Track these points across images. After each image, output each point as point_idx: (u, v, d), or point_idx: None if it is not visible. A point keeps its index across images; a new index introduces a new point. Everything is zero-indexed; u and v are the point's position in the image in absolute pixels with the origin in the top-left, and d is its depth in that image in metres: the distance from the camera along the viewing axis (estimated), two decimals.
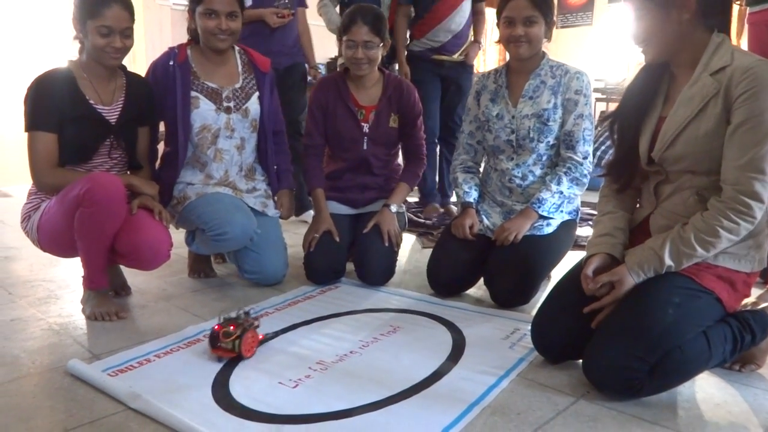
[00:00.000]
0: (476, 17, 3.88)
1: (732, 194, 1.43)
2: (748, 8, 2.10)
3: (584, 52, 8.31)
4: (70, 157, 2.03)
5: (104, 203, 1.87)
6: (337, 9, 3.82)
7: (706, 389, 1.56)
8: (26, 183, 2.09)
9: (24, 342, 1.85)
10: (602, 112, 7.09)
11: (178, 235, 2.26)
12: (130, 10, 2.03)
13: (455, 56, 3.76)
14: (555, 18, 2.22)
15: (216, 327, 1.70)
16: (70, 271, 2.56)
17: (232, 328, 1.68)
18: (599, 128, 1.84)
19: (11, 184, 4.72)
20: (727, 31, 1.54)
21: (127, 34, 2.03)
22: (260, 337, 1.79)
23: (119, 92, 2.13)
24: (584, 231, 3.24)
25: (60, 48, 4.75)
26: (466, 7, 3.72)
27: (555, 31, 2.33)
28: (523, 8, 2.13)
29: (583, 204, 2.58)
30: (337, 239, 2.43)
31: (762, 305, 1.71)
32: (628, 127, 1.66)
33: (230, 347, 1.67)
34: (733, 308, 1.56)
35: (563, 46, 8.23)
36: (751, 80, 1.41)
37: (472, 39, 3.86)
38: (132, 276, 2.36)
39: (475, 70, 4.00)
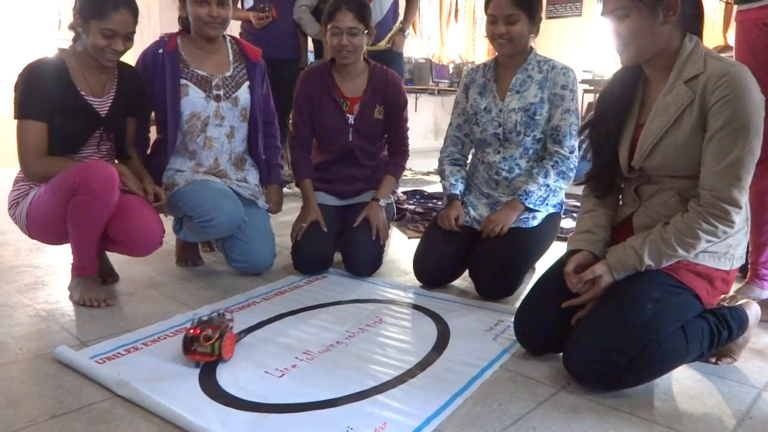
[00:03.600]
0: (407, 5, 3.96)
1: (710, 200, 1.46)
2: (735, 6, 2.11)
3: (573, 42, 8.36)
4: (59, 147, 2.02)
5: (99, 192, 1.87)
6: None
7: (683, 382, 1.60)
8: (12, 167, 2.09)
9: (11, 328, 1.86)
10: (590, 104, 7.14)
11: (166, 223, 2.27)
12: (135, 15, 2.02)
13: (382, 44, 3.82)
14: (541, 14, 2.24)
15: (192, 330, 1.60)
16: (57, 257, 2.57)
17: (210, 330, 1.60)
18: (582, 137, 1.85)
19: None
20: (700, 34, 1.56)
21: (130, 37, 2.02)
22: (235, 337, 1.70)
23: (110, 84, 2.13)
24: (568, 223, 3.28)
25: (49, 31, 4.73)
26: None
27: (544, 22, 2.35)
28: (504, 6, 2.15)
29: (568, 195, 2.61)
30: (325, 229, 2.44)
31: (740, 301, 1.75)
32: (607, 135, 1.68)
33: (209, 351, 1.58)
34: (711, 304, 1.60)
35: (552, 36, 8.27)
36: (726, 86, 1.43)
37: (400, 27, 3.91)
38: (119, 263, 2.37)
39: (404, 57, 4.15)
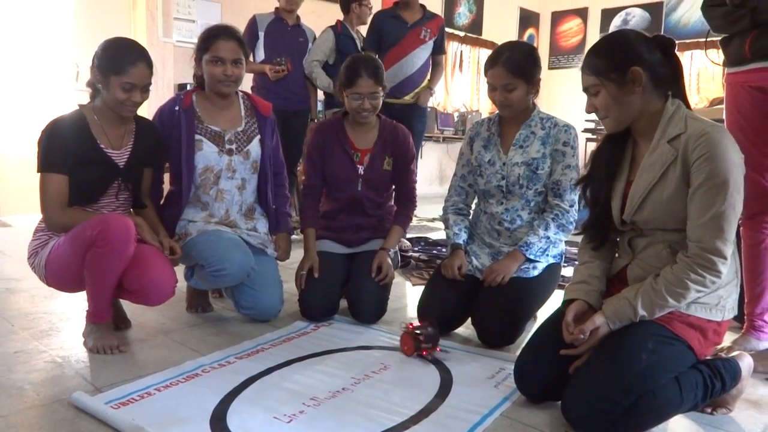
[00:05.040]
0: (434, 68, 4.19)
1: (696, 251, 1.54)
2: (725, 68, 2.19)
3: (574, 92, 8.48)
4: (79, 198, 2.12)
5: (116, 245, 1.95)
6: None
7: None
8: (26, 213, 2.18)
9: (28, 374, 1.92)
10: (593, 152, 7.24)
11: (177, 271, 2.34)
12: (151, 68, 2.16)
13: (406, 98, 4.01)
14: (539, 76, 2.34)
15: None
16: (70, 304, 2.63)
17: (409, 327, 2.17)
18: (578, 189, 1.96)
19: (11, 214, 4.78)
20: (681, 97, 1.68)
21: (147, 89, 2.15)
22: (411, 342, 2.13)
23: (129, 137, 2.24)
24: (569, 271, 3.32)
25: (67, 83, 4.89)
26: (417, 56, 4.01)
27: (547, 72, 2.47)
28: (500, 77, 2.26)
29: (569, 243, 2.67)
30: (316, 274, 2.51)
31: (735, 352, 1.80)
32: (600, 190, 1.78)
33: (398, 339, 2.19)
34: (704, 355, 1.65)
35: (554, 87, 8.41)
36: (705, 145, 1.54)
37: (428, 86, 4.15)
38: (131, 309, 2.43)
39: (428, 111, 4.39)
